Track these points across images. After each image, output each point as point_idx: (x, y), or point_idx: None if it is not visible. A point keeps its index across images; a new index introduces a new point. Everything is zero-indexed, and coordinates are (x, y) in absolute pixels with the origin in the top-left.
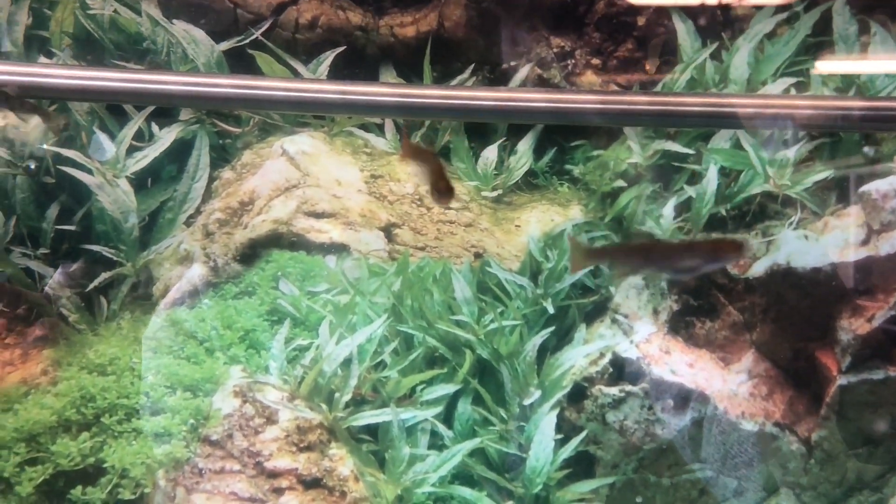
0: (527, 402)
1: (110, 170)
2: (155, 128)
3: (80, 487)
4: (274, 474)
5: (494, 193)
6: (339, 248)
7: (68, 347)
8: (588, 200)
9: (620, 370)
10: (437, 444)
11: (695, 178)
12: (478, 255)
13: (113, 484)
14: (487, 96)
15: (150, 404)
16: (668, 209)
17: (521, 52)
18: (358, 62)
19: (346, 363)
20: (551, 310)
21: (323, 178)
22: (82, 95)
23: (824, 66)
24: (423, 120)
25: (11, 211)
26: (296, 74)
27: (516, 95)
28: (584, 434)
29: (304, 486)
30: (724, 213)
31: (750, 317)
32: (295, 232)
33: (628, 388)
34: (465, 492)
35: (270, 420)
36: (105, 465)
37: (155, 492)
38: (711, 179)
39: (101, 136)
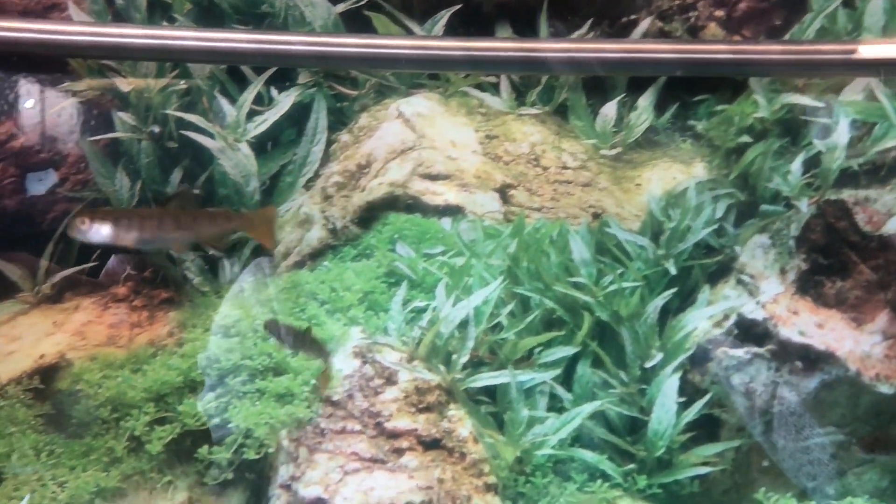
0: (648, 364)
1: (231, 134)
2: (274, 92)
3: (206, 447)
4: (394, 435)
5: (613, 151)
6: (455, 210)
7: (193, 309)
8: (712, 157)
9: (746, 332)
10: (556, 406)
11: (825, 131)
12: (596, 216)
13: (238, 444)
14: (614, 48)
15: (273, 365)
16: (797, 165)
17: (641, 5)
18: (473, 20)
19: (463, 325)
20: (673, 271)
21: (438, 139)
22: (209, 57)
23: None
24: (540, 76)
25: (137, 175)
26: (411, 34)
27: (643, 46)
28: (708, 397)
29: (424, 446)
30: (856, 167)
31: (884, 275)
32: (411, 194)
33: (754, 349)
34: (585, 454)
35: (390, 381)
36: (230, 425)
37: (278, 452)
38: (843, 133)
39: (222, 101)
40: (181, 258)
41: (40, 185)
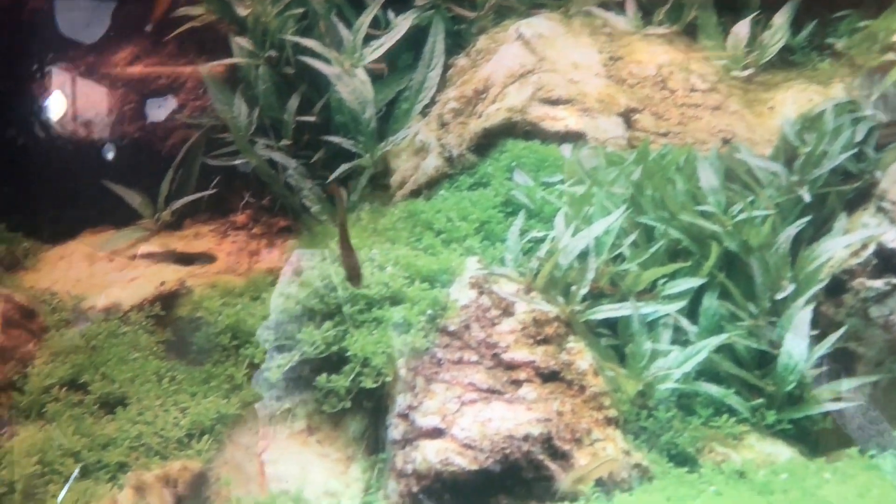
0: (779, 296)
1: (348, 59)
2: (391, 15)
3: (324, 375)
4: (511, 366)
5: (745, 73)
6: (576, 136)
7: (311, 238)
8: (852, 77)
9: (886, 261)
10: (680, 339)
11: None
12: (726, 141)
13: (356, 372)
14: None
15: (389, 294)
16: None
17: None
18: None
19: (583, 256)
20: (808, 198)
21: (559, 62)
22: None
23: None
24: None
25: (254, 102)
26: None
27: None
28: (843, 330)
29: (542, 378)
30: None
31: None
32: (529, 120)
33: (894, 280)
34: (710, 389)
35: (507, 312)
36: (348, 354)
37: (395, 381)
38: None
39: (339, 25)
40: (299, 186)
41: (159, 111)
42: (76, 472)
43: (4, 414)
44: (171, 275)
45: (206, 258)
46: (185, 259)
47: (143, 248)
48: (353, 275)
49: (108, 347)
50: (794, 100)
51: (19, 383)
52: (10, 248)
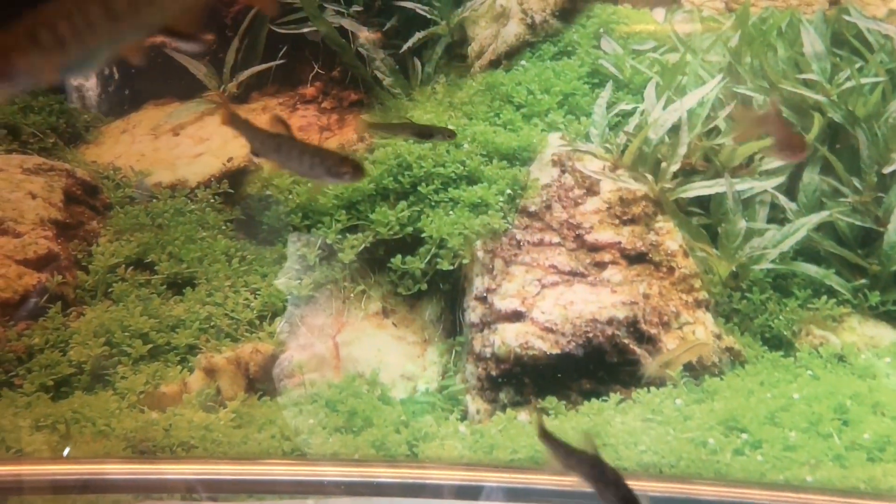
0: (887, 169)
1: None
2: None
3: (399, 256)
4: (595, 248)
5: None
6: (669, 0)
7: (383, 113)
8: None
9: None
10: (777, 217)
11: None
12: (833, 2)
13: (431, 254)
14: None
15: (466, 173)
16: None
17: None
18: None
19: (675, 130)
20: None
21: None
22: None
23: None
24: None
25: None
26: None
27: None
28: None
29: (628, 260)
30: None
31: None
32: None
33: None
34: (809, 269)
35: (591, 191)
36: (423, 235)
37: (473, 263)
38: None
39: None
40: (371, 56)
41: None
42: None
43: (70, 293)
44: (238, 150)
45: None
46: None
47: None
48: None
49: (174, 226)
50: None
51: (84, 262)
52: (70, 120)
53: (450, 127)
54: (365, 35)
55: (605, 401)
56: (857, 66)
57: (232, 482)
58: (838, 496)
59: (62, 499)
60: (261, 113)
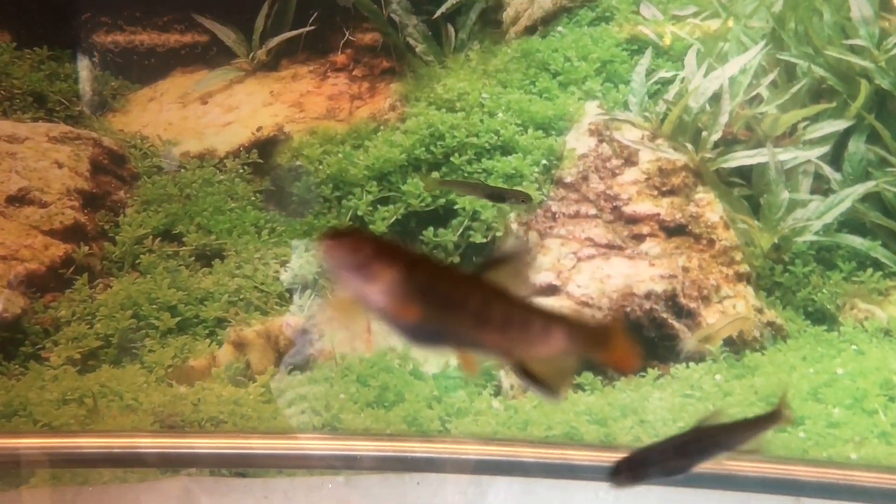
0: None
1: None
2: None
3: (431, 229)
4: (633, 220)
5: None
6: None
7: (415, 81)
8: None
9: None
10: (821, 188)
11: None
12: None
13: (464, 226)
14: None
15: (500, 143)
16: None
17: None
18: None
19: (716, 98)
20: None
21: None
22: None
23: None
24: None
25: None
26: None
27: None
28: None
29: (667, 233)
30: None
31: None
32: None
33: None
34: (854, 241)
35: (629, 161)
36: (455, 207)
37: (507, 236)
38: None
39: None
40: (403, 23)
41: None
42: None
43: (97, 265)
44: (267, 119)
45: None
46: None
47: None
48: None
49: (203, 196)
50: None
51: (111, 233)
52: (96, 87)
53: (524, 190)
54: None
55: (643, 376)
56: None
57: (262, 456)
58: (884, 473)
59: (90, 472)
60: (290, 82)
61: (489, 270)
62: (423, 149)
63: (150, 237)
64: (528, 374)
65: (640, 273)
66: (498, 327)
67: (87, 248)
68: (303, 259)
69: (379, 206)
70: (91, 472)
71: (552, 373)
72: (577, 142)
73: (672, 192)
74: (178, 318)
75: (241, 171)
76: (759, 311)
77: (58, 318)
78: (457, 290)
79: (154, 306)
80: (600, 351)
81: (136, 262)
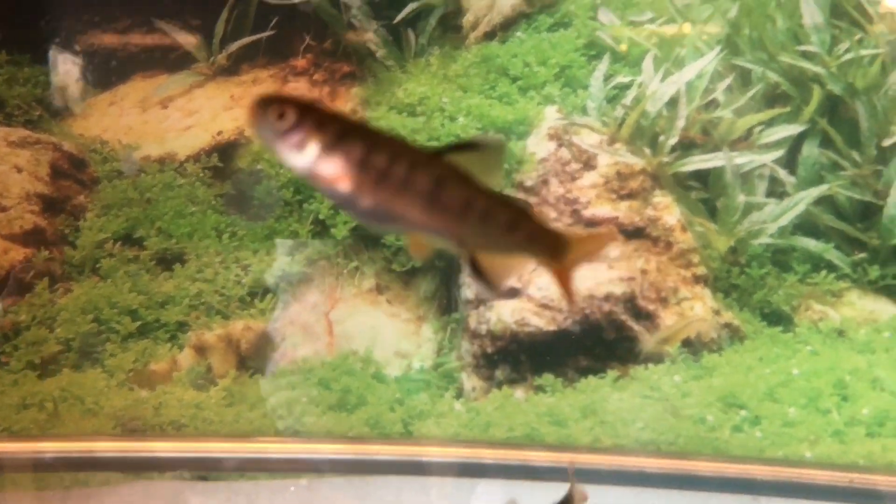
0: (886, 142)
1: None
2: None
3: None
4: (592, 223)
5: None
6: None
7: (376, 85)
8: None
9: None
10: (776, 191)
11: None
12: None
13: None
14: None
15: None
16: None
17: None
18: None
19: (673, 102)
20: None
21: None
22: None
23: None
24: None
25: None
26: None
27: None
28: None
29: (626, 235)
30: None
31: None
32: None
33: None
34: (808, 243)
35: (588, 165)
36: None
37: None
38: None
39: None
40: (363, 28)
41: None
42: None
43: (57, 269)
44: (228, 123)
45: None
46: None
47: None
48: None
49: (163, 200)
50: None
51: (71, 237)
52: (56, 92)
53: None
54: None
55: (603, 378)
56: (858, 37)
57: (224, 459)
58: (837, 471)
59: (51, 476)
60: (251, 86)
61: (455, 154)
62: None
63: (111, 241)
64: (475, 266)
65: (600, 275)
66: (455, 213)
67: (47, 252)
68: (264, 262)
69: (341, 210)
70: (52, 477)
71: (497, 268)
72: (537, 146)
73: (630, 196)
74: (139, 323)
75: (201, 175)
76: (717, 312)
77: (18, 323)
78: (402, 165)
79: (115, 310)
80: (554, 260)
81: (97, 266)
